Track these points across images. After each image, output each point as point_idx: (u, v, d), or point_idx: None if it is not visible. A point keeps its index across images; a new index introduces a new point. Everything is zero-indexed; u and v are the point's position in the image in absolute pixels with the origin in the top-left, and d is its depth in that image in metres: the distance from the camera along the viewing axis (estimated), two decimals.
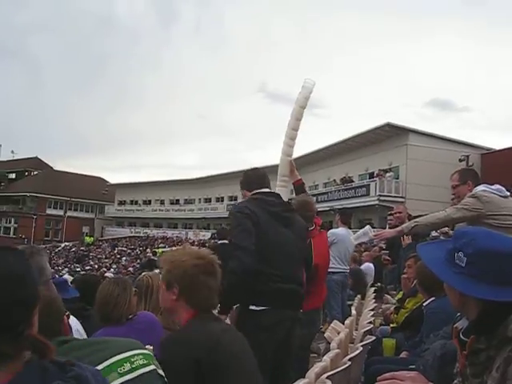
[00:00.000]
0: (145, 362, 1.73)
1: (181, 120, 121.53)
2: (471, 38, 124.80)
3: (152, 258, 23.29)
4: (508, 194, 4.55)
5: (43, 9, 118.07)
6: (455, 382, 1.89)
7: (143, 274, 3.99)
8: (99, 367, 1.62)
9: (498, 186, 4.49)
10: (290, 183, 5.53)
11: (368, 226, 4.98)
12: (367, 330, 4.70)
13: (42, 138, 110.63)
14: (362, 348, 3.69)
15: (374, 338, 4.19)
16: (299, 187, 5.36)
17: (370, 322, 5.20)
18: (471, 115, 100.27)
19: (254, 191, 3.73)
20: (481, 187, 4.48)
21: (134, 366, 1.69)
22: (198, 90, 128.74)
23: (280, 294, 3.42)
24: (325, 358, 3.47)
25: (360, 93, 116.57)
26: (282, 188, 5.72)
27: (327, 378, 2.77)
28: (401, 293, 5.40)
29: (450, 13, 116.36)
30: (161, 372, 1.77)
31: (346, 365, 3.18)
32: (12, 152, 64.79)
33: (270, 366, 3.35)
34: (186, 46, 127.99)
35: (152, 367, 1.74)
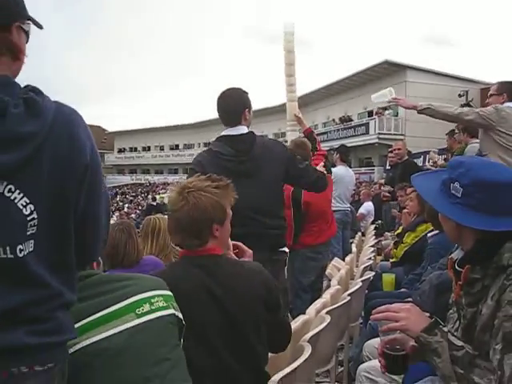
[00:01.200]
0: (165, 304, 1.71)
1: (175, 63, 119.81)
2: None
3: (151, 203, 23.34)
4: None
5: None
6: (450, 311, 1.92)
7: (149, 216, 3.99)
8: (116, 306, 1.62)
9: None
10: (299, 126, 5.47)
11: (391, 88, 4.83)
12: (367, 266, 4.75)
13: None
14: (361, 283, 3.74)
15: (373, 273, 4.24)
16: (309, 136, 5.30)
17: (370, 258, 5.25)
18: (466, 50, 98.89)
19: (220, 134, 3.54)
20: (509, 103, 4.48)
21: (153, 307, 1.66)
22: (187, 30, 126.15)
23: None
24: (325, 294, 3.53)
25: (356, 30, 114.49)
26: (292, 132, 5.96)
27: (327, 313, 2.80)
28: (400, 228, 5.42)
29: None
30: (179, 315, 1.76)
31: (346, 300, 3.23)
32: None
33: None
34: None
35: (171, 311, 1.72)
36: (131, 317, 1.62)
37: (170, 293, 1.78)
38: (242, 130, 3.45)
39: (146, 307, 1.66)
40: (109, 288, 1.67)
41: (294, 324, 2.60)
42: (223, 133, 3.50)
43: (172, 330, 1.72)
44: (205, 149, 3.68)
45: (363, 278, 4.03)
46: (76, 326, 1.49)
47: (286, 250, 3.69)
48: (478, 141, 6.32)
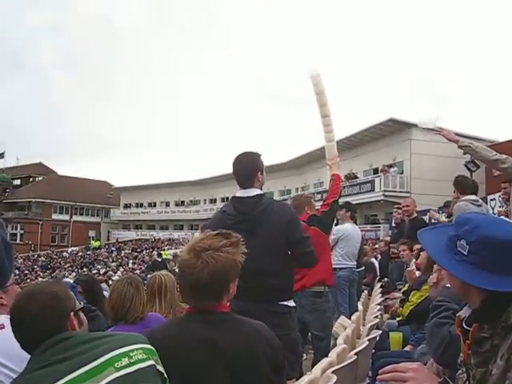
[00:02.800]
0: (144, 356, 1.71)
1: (182, 123, 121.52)
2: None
3: (157, 259, 23.22)
4: None
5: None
6: (459, 371, 1.88)
7: (155, 273, 3.98)
8: (96, 362, 1.62)
9: None
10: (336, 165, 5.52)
11: (438, 116, 4.85)
12: (374, 325, 4.67)
13: (47, 144, 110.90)
14: (368, 342, 3.67)
15: (380, 331, 4.17)
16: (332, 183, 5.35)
17: (377, 317, 5.18)
18: (469, 108, 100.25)
19: (234, 194, 3.87)
20: None
21: (132, 360, 1.68)
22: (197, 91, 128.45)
23: None
24: (331, 353, 3.46)
25: (361, 88, 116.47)
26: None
27: (333, 372, 2.74)
28: (406, 285, 5.37)
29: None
30: (160, 368, 1.75)
31: (352, 359, 3.17)
32: (17, 158, 65.16)
33: None
34: (188, 42, 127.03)
35: (151, 362, 1.72)
36: (110, 371, 1.62)
37: (150, 347, 1.78)
38: (252, 192, 3.72)
39: (125, 361, 1.66)
40: (88, 347, 1.69)
41: None
42: (236, 193, 3.83)
43: (154, 378, 1.72)
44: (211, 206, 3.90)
45: (370, 337, 3.96)
46: None
47: (290, 303, 3.68)
48: (467, 197, 6.36)
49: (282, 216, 3.65)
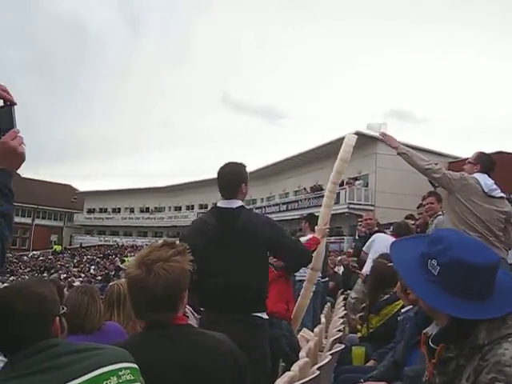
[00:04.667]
0: (132, 377, 1.65)
1: (148, 129, 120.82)
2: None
3: (119, 265, 22.94)
4: (499, 194, 4.63)
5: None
6: None
7: (113, 282, 3.91)
8: (84, 378, 1.56)
9: (492, 185, 4.64)
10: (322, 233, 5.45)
11: (386, 123, 4.93)
12: (336, 339, 4.66)
13: None
14: (330, 357, 3.64)
15: (343, 346, 4.15)
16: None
17: (340, 330, 5.16)
18: (431, 125, 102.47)
19: (216, 204, 3.82)
20: (477, 174, 4.64)
21: (120, 380, 1.61)
22: (164, 100, 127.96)
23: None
24: (293, 366, 3.42)
25: (328, 101, 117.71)
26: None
27: None
28: (364, 304, 5.33)
29: (407, 23, 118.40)
30: None
31: (315, 374, 3.13)
32: None
33: None
34: (154, 55, 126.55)
35: None
36: None
37: (136, 366, 1.72)
38: (234, 203, 3.69)
39: (114, 380, 1.60)
40: (74, 359, 1.61)
41: None
42: (218, 203, 3.79)
43: None
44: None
45: (332, 351, 3.93)
46: None
47: (263, 316, 3.67)
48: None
49: (264, 229, 3.68)
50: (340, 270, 12.99)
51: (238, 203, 3.70)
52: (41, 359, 1.59)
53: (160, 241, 2.09)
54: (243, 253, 3.59)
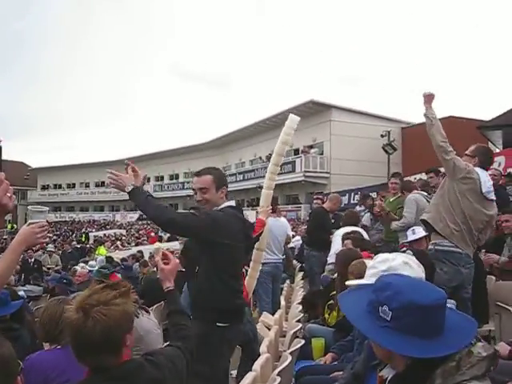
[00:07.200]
0: None
1: (96, 100, 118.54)
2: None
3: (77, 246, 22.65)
4: (492, 197, 4.69)
5: None
6: None
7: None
8: None
9: (490, 187, 4.67)
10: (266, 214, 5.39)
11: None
12: (296, 331, 4.68)
13: None
14: (291, 357, 3.67)
15: (303, 341, 4.17)
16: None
17: (299, 320, 5.19)
18: (382, 90, 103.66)
19: (227, 204, 3.80)
20: (479, 170, 4.67)
21: None
22: (114, 67, 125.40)
23: (238, 311, 3.79)
24: (255, 366, 3.42)
25: (283, 70, 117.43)
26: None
27: None
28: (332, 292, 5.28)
29: None
30: None
31: (277, 381, 3.15)
32: None
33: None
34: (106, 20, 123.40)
35: None
36: None
37: None
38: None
39: None
40: None
41: None
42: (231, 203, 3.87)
43: None
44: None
45: (292, 349, 3.96)
46: None
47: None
48: (422, 192, 6.66)
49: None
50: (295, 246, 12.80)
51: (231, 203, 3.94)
52: None
53: (101, 285, 2.01)
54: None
